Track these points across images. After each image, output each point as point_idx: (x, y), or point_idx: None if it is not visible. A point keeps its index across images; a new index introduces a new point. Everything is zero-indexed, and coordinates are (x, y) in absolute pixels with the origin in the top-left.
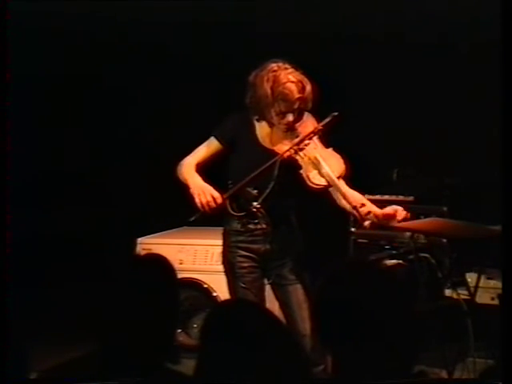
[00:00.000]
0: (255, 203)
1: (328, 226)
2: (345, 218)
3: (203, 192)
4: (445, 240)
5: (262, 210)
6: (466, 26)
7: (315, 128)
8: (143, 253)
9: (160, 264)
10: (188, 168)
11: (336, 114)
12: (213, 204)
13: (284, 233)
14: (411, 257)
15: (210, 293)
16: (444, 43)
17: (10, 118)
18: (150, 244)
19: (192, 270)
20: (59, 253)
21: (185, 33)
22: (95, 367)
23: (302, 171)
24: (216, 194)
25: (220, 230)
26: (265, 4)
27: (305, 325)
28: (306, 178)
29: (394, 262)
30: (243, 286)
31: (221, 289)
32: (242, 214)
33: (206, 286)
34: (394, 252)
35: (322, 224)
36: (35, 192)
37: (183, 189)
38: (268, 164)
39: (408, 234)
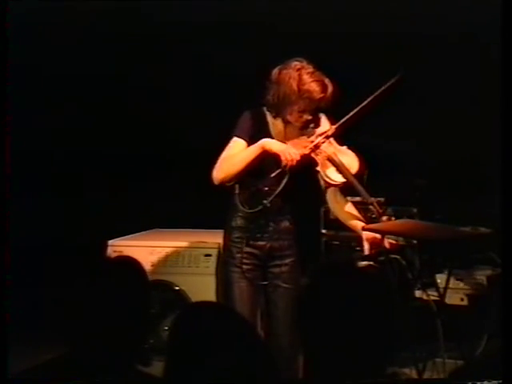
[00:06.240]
0: (265, 201)
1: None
2: (316, 218)
3: (288, 150)
4: (415, 241)
5: (270, 207)
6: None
7: (331, 127)
8: (114, 255)
9: (131, 266)
10: (243, 151)
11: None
12: (295, 160)
13: (289, 231)
14: (382, 258)
15: (181, 295)
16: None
17: (10, 119)
18: (121, 246)
19: (163, 273)
20: (29, 254)
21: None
22: (66, 368)
23: (318, 168)
24: (296, 151)
25: (190, 231)
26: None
27: (286, 328)
28: (324, 175)
29: (365, 263)
30: (242, 283)
31: (192, 291)
32: (253, 210)
33: (177, 288)
34: (364, 253)
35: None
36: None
37: (155, 191)
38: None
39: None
